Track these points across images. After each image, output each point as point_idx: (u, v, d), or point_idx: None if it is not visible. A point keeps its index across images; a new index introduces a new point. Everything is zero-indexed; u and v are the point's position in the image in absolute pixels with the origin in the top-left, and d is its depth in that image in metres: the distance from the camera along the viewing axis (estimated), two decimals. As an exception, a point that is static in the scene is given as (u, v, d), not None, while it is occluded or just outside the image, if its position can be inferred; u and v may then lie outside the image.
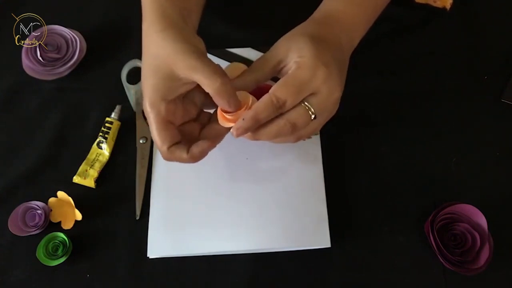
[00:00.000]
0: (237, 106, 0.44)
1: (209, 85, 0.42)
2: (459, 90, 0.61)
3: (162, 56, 0.43)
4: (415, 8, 0.65)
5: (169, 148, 0.45)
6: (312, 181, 0.55)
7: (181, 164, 0.56)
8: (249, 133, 0.45)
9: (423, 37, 0.65)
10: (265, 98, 0.43)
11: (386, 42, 0.64)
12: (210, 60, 0.43)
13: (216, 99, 0.44)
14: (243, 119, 0.43)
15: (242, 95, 0.46)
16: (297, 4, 0.67)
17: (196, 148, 0.45)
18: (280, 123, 0.44)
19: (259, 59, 0.47)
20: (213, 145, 0.46)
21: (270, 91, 0.43)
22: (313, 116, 0.45)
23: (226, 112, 0.45)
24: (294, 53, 0.45)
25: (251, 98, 0.46)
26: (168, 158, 0.46)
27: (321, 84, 0.44)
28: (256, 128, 0.44)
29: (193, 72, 0.42)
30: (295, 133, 0.46)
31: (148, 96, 0.44)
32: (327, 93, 0.44)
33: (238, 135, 0.44)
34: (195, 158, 0.45)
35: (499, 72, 0.62)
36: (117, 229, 0.55)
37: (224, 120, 0.46)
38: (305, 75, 0.43)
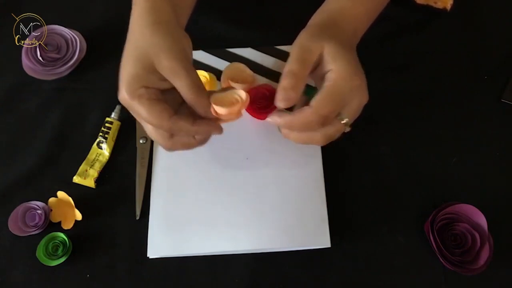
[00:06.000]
0: (211, 116, 0.45)
1: (185, 95, 0.43)
2: (459, 90, 0.61)
3: (147, 49, 0.42)
4: (416, 9, 0.65)
5: (171, 117, 0.42)
6: (312, 181, 0.55)
7: (181, 164, 0.57)
8: (283, 129, 0.46)
9: (423, 37, 0.65)
10: (307, 114, 0.43)
11: (386, 42, 0.64)
12: (191, 67, 0.43)
13: (191, 106, 0.44)
14: (278, 116, 0.44)
15: (231, 93, 0.46)
16: (297, 4, 0.67)
17: (205, 122, 0.45)
18: (317, 136, 0.45)
19: (295, 63, 0.44)
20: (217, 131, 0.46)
21: (315, 107, 0.43)
22: (348, 129, 0.45)
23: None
24: (328, 56, 0.44)
25: (245, 95, 0.46)
26: (170, 128, 0.43)
27: (356, 95, 0.44)
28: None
29: (173, 76, 0.42)
30: (328, 141, 0.46)
31: (126, 83, 0.42)
32: (359, 102, 0.45)
33: (268, 122, 0.45)
34: (205, 133, 0.45)
35: (499, 72, 0.62)
36: (117, 229, 0.55)
37: (215, 113, 0.46)
38: (345, 87, 0.43)
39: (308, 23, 0.50)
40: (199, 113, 0.44)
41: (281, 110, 0.45)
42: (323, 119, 0.43)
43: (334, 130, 0.45)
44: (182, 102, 0.45)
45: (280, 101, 0.44)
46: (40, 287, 0.53)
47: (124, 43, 0.66)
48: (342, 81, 0.43)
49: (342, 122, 0.45)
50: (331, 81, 0.43)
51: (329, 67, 0.44)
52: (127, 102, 0.43)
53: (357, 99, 0.44)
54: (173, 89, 0.44)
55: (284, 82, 0.44)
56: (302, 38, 0.46)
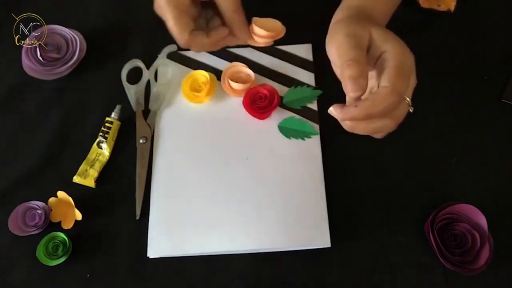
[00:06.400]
0: (245, 35, 0.49)
1: (227, 11, 0.47)
2: (459, 90, 0.61)
3: None
4: (417, 9, 0.65)
5: (192, 32, 0.47)
6: (312, 181, 0.55)
7: (181, 164, 0.57)
8: (349, 122, 0.44)
9: (423, 38, 0.65)
10: (385, 94, 0.41)
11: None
12: None
13: (228, 25, 0.48)
14: (356, 106, 0.41)
15: (271, 22, 0.50)
16: (296, 5, 0.67)
17: (216, 33, 0.48)
18: (386, 121, 0.43)
19: (353, 50, 0.43)
20: (232, 36, 0.49)
21: (391, 85, 0.41)
22: (411, 108, 0.45)
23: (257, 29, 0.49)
24: (378, 39, 0.44)
25: (279, 23, 0.50)
26: (188, 44, 0.48)
27: (412, 72, 0.44)
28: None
29: None
30: (397, 125, 0.45)
31: None
32: (414, 81, 0.45)
33: (343, 119, 0.43)
34: (216, 44, 0.49)
35: (499, 72, 0.62)
36: (117, 229, 0.55)
37: (254, 38, 0.50)
38: (406, 62, 0.43)
39: (335, 20, 0.50)
40: (235, 30, 0.48)
41: (337, 105, 0.43)
42: (401, 97, 0.42)
43: (402, 112, 0.44)
44: (197, 17, 0.50)
45: (352, 92, 0.42)
46: (40, 287, 0.53)
47: (124, 43, 0.66)
48: (402, 57, 0.43)
49: (406, 101, 0.44)
50: (392, 60, 0.43)
51: (382, 49, 0.44)
52: (162, 4, 0.46)
53: (413, 77, 0.44)
54: (200, 3, 0.48)
55: (350, 71, 0.42)
56: (347, 28, 0.45)
